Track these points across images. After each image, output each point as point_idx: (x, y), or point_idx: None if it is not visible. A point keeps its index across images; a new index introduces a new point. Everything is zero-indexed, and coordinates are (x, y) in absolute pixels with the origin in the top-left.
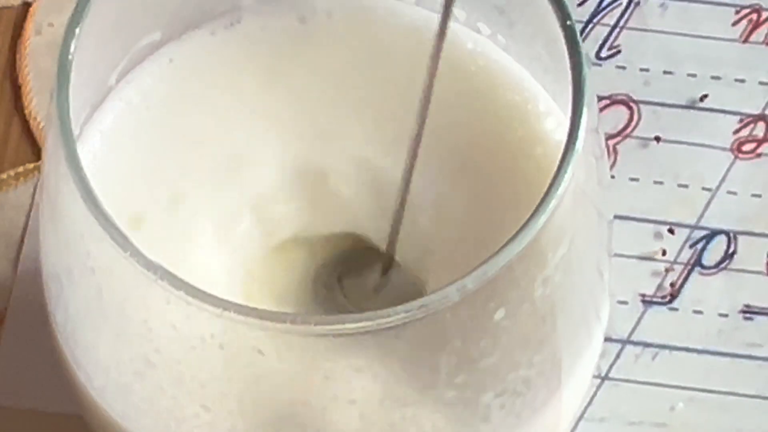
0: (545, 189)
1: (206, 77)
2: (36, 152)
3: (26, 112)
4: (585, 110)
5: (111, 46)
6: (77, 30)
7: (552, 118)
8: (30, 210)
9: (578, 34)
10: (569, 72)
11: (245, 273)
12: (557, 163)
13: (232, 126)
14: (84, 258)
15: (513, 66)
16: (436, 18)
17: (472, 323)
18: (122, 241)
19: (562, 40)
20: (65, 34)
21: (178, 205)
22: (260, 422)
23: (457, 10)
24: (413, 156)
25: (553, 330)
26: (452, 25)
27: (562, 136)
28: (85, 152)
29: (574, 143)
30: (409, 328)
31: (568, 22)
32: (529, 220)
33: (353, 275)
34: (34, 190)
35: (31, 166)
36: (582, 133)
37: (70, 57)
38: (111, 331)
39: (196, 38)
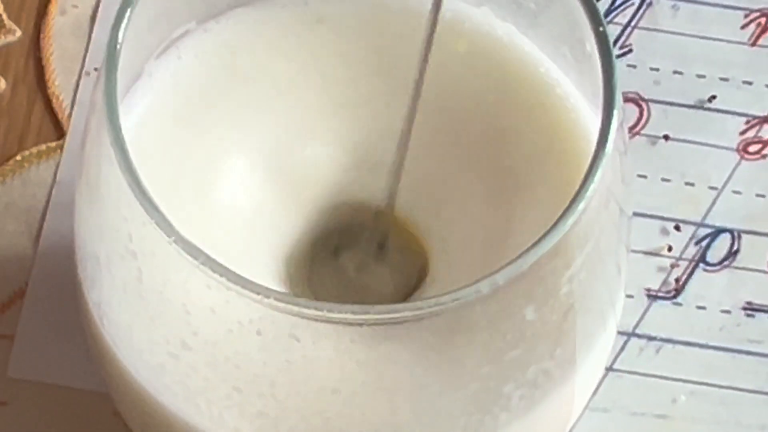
0: (567, 182)
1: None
2: (58, 131)
3: (49, 91)
4: (615, 114)
5: (151, 34)
6: (126, 17)
7: (578, 113)
8: (52, 187)
9: (611, 40)
10: (600, 76)
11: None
12: (584, 159)
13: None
14: (125, 241)
15: (540, 59)
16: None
17: (500, 317)
18: (166, 226)
19: (593, 44)
20: (114, 22)
21: (214, 184)
22: (291, 407)
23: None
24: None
25: (573, 324)
26: (477, 12)
27: (584, 129)
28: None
29: (605, 146)
30: (439, 319)
31: (601, 28)
32: (558, 220)
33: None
34: (56, 168)
35: (53, 144)
36: (612, 136)
37: (118, 45)
38: (148, 313)
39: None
